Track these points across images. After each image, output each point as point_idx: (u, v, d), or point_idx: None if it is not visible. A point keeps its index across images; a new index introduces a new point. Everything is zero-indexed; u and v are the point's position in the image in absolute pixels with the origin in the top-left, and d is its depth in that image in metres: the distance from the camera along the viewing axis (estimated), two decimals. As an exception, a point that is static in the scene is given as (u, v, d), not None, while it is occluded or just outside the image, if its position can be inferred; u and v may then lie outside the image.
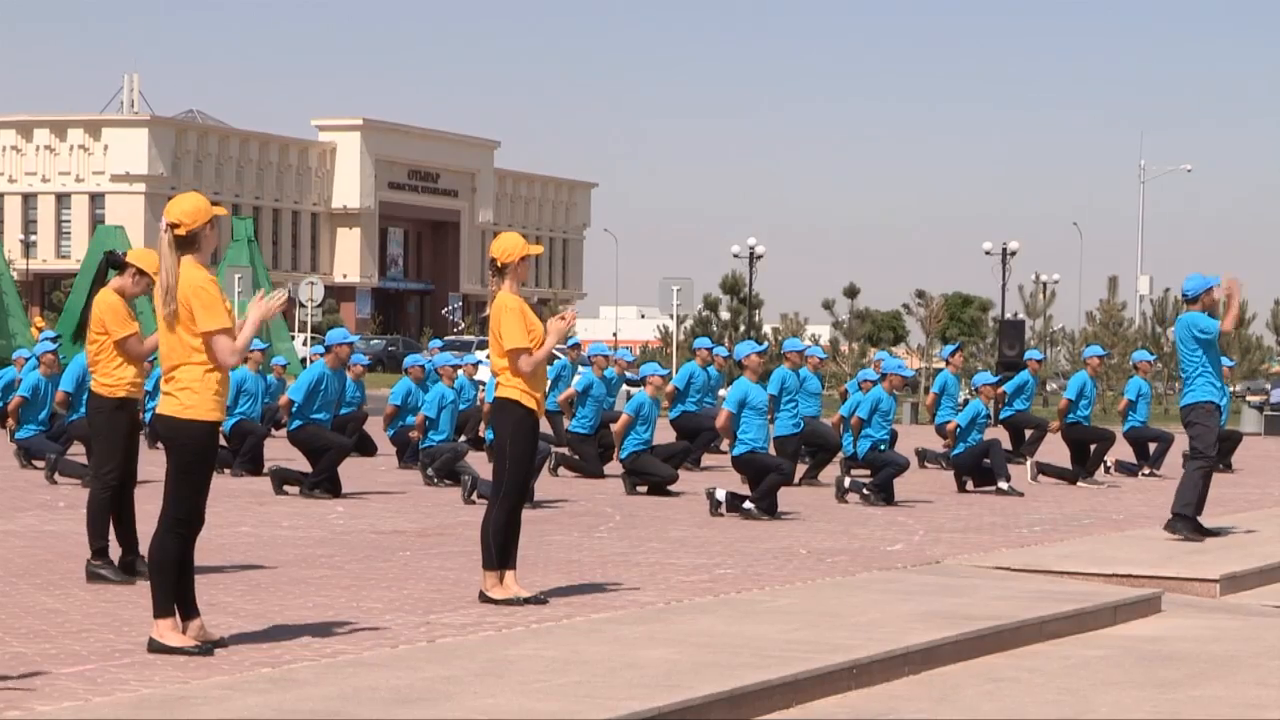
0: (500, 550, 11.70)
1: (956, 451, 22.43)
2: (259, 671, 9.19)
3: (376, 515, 17.80)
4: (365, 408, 26.15)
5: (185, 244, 9.77)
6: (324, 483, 19.68)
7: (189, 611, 9.80)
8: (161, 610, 9.69)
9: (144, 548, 11.27)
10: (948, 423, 26.15)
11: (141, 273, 12.52)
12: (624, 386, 36.03)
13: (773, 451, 19.79)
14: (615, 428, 21.52)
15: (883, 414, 21.16)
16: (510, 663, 9.55)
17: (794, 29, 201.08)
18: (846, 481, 20.60)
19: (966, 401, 23.46)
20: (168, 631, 9.68)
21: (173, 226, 9.76)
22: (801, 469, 22.94)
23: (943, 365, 28.78)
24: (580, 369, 26.30)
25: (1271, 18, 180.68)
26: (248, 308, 9.87)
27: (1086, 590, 13.37)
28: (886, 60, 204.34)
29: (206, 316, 9.63)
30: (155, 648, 9.65)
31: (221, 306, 9.70)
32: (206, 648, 9.65)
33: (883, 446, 20.94)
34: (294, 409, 20.10)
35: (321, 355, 21.40)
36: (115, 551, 12.62)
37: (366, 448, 26.44)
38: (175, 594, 9.72)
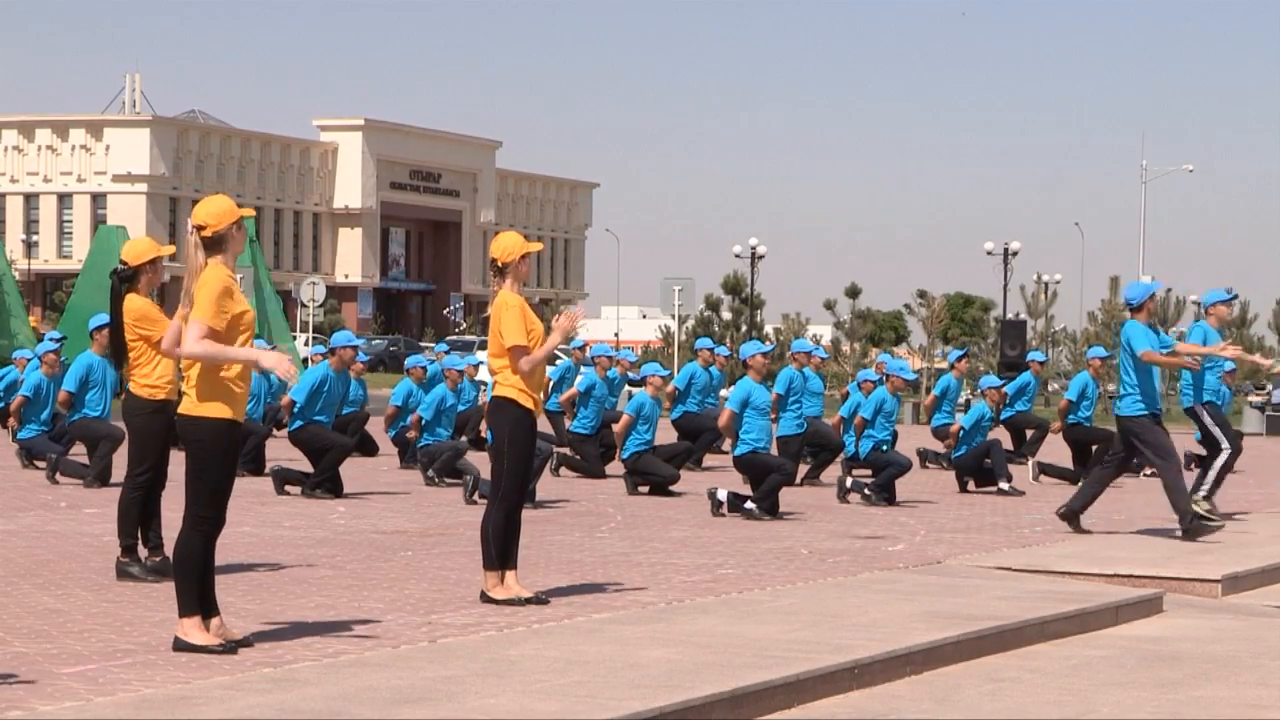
0: (501, 550, 11.70)
1: (958, 453, 22.44)
2: (260, 671, 9.19)
3: (378, 515, 17.81)
4: (367, 408, 26.16)
5: (212, 245, 9.79)
6: (325, 483, 19.68)
7: (209, 610, 9.82)
8: (187, 609, 9.71)
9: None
10: (947, 425, 26.14)
11: (152, 262, 12.61)
12: (626, 387, 36.05)
13: (775, 452, 19.80)
14: (617, 428, 21.53)
15: (886, 415, 21.18)
16: (511, 663, 9.55)
17: (795, 29, 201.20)
18: (848, 482, 20.61)
19: (969, 403, 23.49)
20: (193, 630, 9.70)
21: (199, 229, 9.78)
22: (803, 469, 22.97)
23: (944, 365, 28.71)
24: (583, 369, 26.32)
25: (1273, 18, 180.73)
26: (260, 354, 9.81)
27: (1088, 590, 13.37)
28: (887, 60, 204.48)
29: (198, 308, 9.61)
30: (181, 646, 9.67)
31: (216, 305, 9.60)
32: (230, 646, 9.67)
33: (885, 447, 20.94)
34: (295, 410, 20.11)
35: (325, 357, 21.40)
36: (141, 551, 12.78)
37: (368, 448, 26.44)
38: (199, 592, 9.74)
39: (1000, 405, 26.83)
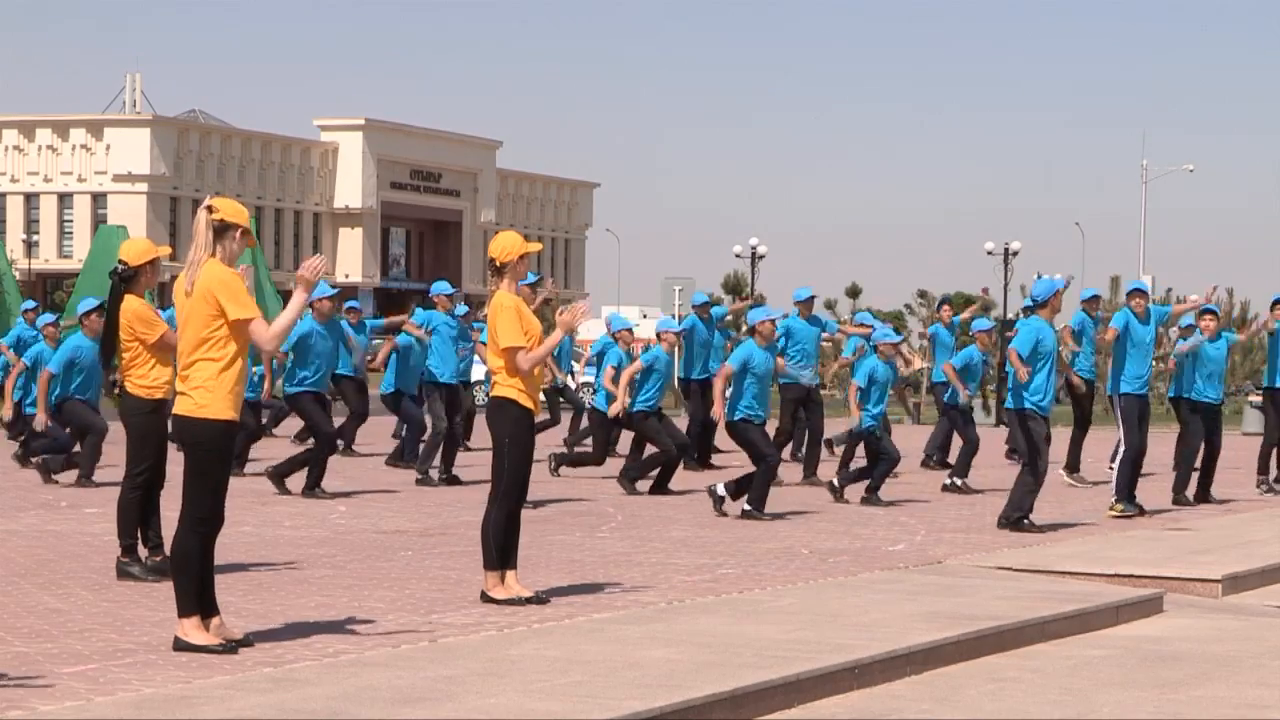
0: (501, 550, 11.71)
1: (951, 399, 22.87)
2: (261, 671, 9.20)
3: (378, 515, 17.81)
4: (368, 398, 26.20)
5: (217, 232, 9.87)
6: (320, 462, 19.47)
7: (209, 609, 9.83)
8: (185, 609, 9.74)
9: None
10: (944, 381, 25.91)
11: (151, 263, 12.65)
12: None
13: (777, 399, 19.86)
14: (627, 370, 21.25)
15: (880, 385, 20.54)
16: (512, 663, 9.55)
17: (796, 29, 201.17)
18: (836, 481, 20.64)
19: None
20: (192, 630, 9.72)
21: (210, 210, 9.87)
22: (803, 469, 23.04)
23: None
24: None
25: (1273, 18, 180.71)
26: (298, 297, 9.85)
27: (1088, 590, 13.37)
28: (888, 61, 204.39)
29: (234, 307, 9.72)
30: (181, 646, 9.69)
31: (248, 296, 9.78)
32: (230, 646, 9.69)
33: (878, 431, 20.36)
34: (288, 368, 19.97)
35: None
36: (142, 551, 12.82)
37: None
38: (198, 592, 9.76)
39: (992, 349, 26.89)
